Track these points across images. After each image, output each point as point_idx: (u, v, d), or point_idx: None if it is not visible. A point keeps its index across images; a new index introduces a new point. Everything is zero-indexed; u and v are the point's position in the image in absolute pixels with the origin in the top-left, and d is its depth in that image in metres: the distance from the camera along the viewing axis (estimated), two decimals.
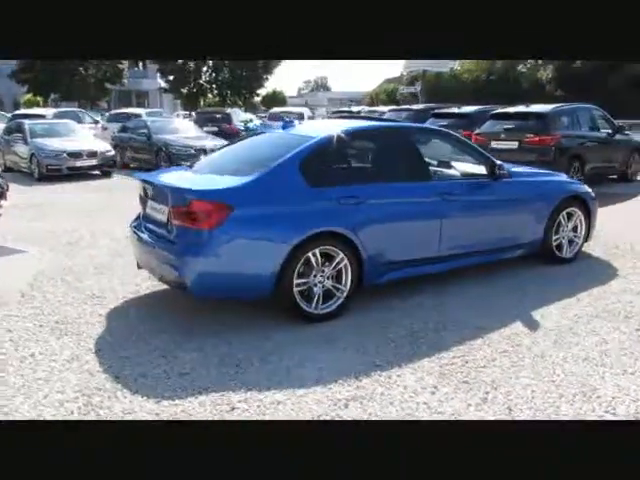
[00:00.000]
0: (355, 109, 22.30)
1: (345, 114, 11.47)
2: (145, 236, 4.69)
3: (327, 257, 4.41)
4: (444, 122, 12.14)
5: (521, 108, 11.41)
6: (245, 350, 3.98)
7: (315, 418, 2.99)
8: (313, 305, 4.39)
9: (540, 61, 41.98)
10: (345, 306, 4.53)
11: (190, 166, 5.28)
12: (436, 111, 13.64)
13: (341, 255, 4.42)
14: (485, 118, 11.56)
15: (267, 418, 3.02)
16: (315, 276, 4.37)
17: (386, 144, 4.99)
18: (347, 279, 4.49)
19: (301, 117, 20.40)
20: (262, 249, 4.21)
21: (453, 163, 5.41)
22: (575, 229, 5.95)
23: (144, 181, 4.90)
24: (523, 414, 3.01)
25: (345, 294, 4.49)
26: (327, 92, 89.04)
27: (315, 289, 4.38)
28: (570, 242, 5.95)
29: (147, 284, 5.36)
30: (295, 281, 4.26)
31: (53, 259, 6.33)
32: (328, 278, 4.43)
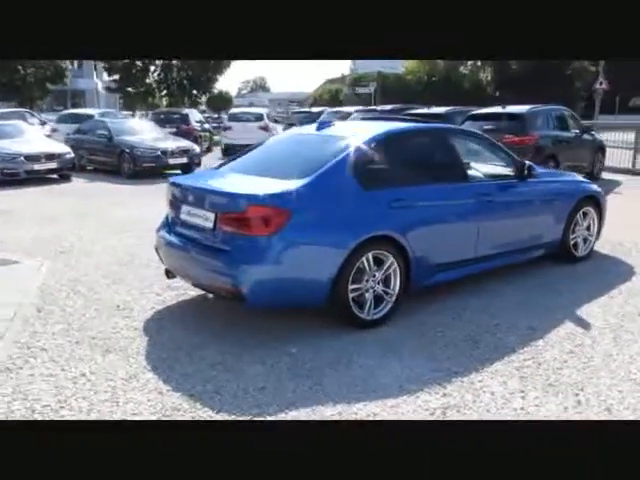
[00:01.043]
0: (315, 110, 22.17)
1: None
2: (180, 242, 4.45)
3: (377, 261, 4.31)
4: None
5: (498, 109, 11.65)
6: (310, 360, 3.82)
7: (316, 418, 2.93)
8: (365, 311, 4.28)
9: (479, 63, 43.38)
10: (395, 311, 4.44)
11: (218, 168, 5.06)
12: (411, 112, 13.75)
13: (391, 259, 4.33)
14: (456, 119, 11.66)
15: (267, 418, 2.93)
16: (367, 281, 4.25)
17: (427, 146, 4.95)
18: (396, 283, 4.40)
19: (260, 118, 20.17)
20: (320, 255, 4.07)
21: (484, 164, 5.42)
22: (589, 228, 6.10)
23: (177, 185, 4.65)
24: (623, 414, 3.04)
25: (394, 298, 4.41)
26: (267, 93, 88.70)
27: (367, 294, 4.27)
28: (584, 240, 6.09)
29: (169, 294, 5.11)
30: (350, 287, 4.14)
31: (53, 269, 5.93)
32: (378, 283, 4.33)
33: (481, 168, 5.29)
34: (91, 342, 4.11)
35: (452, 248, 4.82)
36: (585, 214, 6.01)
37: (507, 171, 5.37)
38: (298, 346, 4.02)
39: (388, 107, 16.50)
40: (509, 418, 2.80)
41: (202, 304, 4.92)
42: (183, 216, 4.51)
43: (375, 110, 16.12)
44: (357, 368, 3.72)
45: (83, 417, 3.02)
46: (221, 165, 5.16)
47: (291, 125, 19.82)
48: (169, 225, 4.74)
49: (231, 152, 19.31)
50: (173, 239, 4.56)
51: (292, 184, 4.08)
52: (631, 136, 14.10)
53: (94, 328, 4.36)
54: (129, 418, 2.96)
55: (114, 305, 4.87)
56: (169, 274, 4.83)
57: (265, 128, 19.67)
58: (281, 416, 3.08)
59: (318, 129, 4.96)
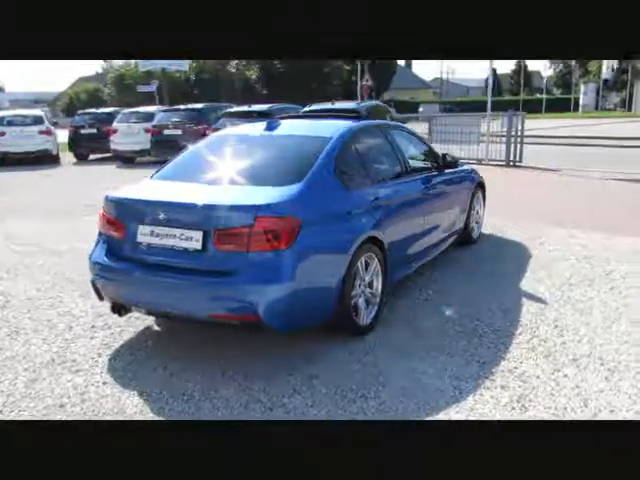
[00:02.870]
0: (108, 110, 20.31)
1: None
2: (142, 270, 3.73)
3: (366, 264, 4.14)
4: (238, 121, 12.32)
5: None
6: (340, 378, 3.52)
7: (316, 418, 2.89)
8: (361, 317, 4.09)
9: (245, 62, 44.18)
10: (380, 313, 4.32)
11: (158, 177, 4.34)
12: (231, 110, 13.55)
13: (375, 260, 4.21)
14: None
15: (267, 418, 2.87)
16: (360, 285, 4.07)
17: (381, 142, 4.86)
18: (379, 284, 4.28)
19: (40, 121, 17.82)
20: (328, 263, 3.75)
21: (414, 157, 5.52)
22: (478, 212, 6.65)
23: (123, 202, 3.89)
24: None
25: (378, 300, 4.28)
26: (3, 93, 79.05)
27: (360, 299, 4.08)
28: (477, 224, 6.63)
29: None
30: (352, 293, 3.92)
31: None
32: (366, 286, 4.17)
33: (414, 161, 5.39)
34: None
35: (411, 242, 4.86)
36: (477, 199, 6.54)
37: (431, 162, 5.57)
38: (316, 362, 3.70)
39: (199, 106, 15.99)
40: (509, 418, 2.85)
41: (165, 327, 4.21)
42: (142, 238, 3.77)
43: (182, 109, 15.64)
44: (400, 376, 3.52)
45: (82, 417, 2.92)
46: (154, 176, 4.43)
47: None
48: (110, 250, 3.94)
49: (8, 162, 16.88)
50: (127, 267, 3.80)
51: (286, 190, 3.68)
52: (423, 126, 15.68)
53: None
54: (127, 418, 2.88)
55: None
56: (122, 309, 4.03)
57: (48, 132, 17.51)
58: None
59: (269, 129, 4.55)
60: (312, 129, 4.65)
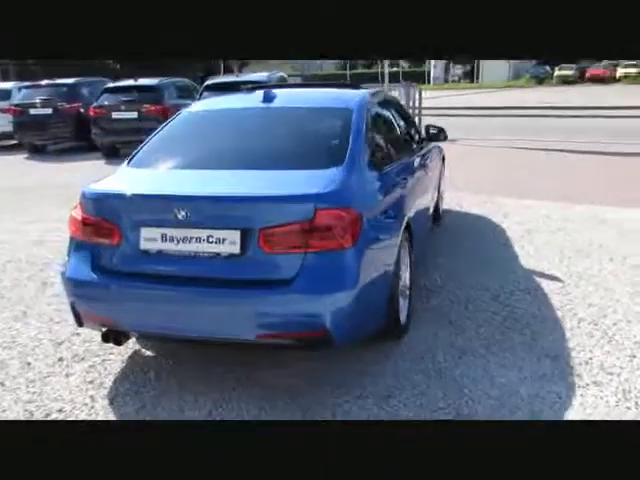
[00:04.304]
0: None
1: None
2: (149, 286, 2.89)
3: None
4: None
5: (131, 82, 12.86)
6: (416, 396, 2.99)
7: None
8: (402, 315, 3.54)
9: None
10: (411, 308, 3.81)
11: (134, 166, 3.41)
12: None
13: (407, 247, 3.68)
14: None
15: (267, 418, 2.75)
16: (400, 279, 3.51)
17: (386, 115, 4.25)
18: (407, 274, 3.75)
19: None
20: (382, 258, 3.14)
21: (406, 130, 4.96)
22: (441, 186, 6.31)
23: (115, 197, 2.99)
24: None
25: (409, 292, 3.76)
26: None
27: (400, 295, 3.52)
28: (441, 199, 6.31)
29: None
30: (397, 289, 3.36)
31: None
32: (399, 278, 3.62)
33: (408, 135, 4.86)
34: None
35: (422, 223, 4.41)
36: (442, 174, 6.22)
37: (418, 136, 5.09)
38: (386, 390, 3.11)
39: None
40: (507, 418, 2.73)
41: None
42: (149, 245, 2.91)
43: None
44: (477, 388, 3.06)
45: (82, 417, 2.82)
46: (131, 163, 3.47)
47: None
48: (98, 263, 3.02)
49: None
50: (128, 283, 2.93)
51: (333, 175, 2.99)
52: None
53: None
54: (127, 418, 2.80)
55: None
56: (120, 337, 3.15)
57: None
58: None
59: (268, 100, 3.76)
60: (321, 100, 3.93)
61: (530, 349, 3.40)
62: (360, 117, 3.52)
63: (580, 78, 44.79)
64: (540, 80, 46.08)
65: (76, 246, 3.11)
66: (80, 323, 3.16)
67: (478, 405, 2.88)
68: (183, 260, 2.87)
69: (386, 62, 15.96)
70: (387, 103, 4.44)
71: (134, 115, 12.02)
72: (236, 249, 2.79)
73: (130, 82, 12.95)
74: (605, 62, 44.18)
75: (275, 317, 2.78)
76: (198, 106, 4.05)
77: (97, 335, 3.67)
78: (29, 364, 3.46)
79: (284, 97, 3.90)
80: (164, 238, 2.88)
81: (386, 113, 4.25)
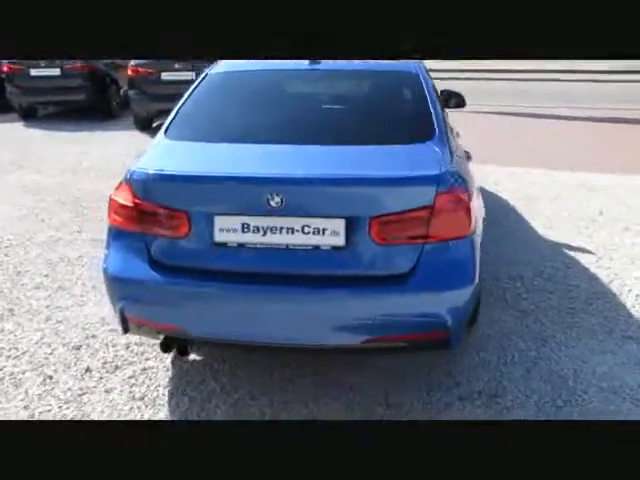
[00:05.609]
0: None
1: None
2: (228, 284, 2.40)
3: None
4: None
5: None
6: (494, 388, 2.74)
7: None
8: None
9: None
10: None
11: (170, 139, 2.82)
12: None
13: None
14: None
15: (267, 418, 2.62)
16: None
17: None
18: None
19: None
20: (478, 244, 2.80)
21: None
22: None
23: (177, 179, 2.44)
24: None
25: None
26: None
27: None
28: None
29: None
30: None
31: None
32: None
33: None
34: None
35: None
36: None
37: None
38: (498, 398, 2.82)
39: None
40: (507, 419, 2.66)
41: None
42: (225, 237, 2.40)
43: None
44: (544, 363, 2.86)
45: (82, 417, 2.65)
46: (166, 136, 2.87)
47: None
48: (158, 259, 2.48)
49: None
50: (201, 282, 2.42)
51: (434, 151, 2.60)
52: None
53: None
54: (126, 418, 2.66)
55: None
56: (185, 347, 2.64)
57: None
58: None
59: (312, 64, 3.22)
60: (371, 63, 3.44)
61: (610, 332, 3.23)
62: (427, 81, 3.13)
63: None
64: None
65: (123, 237, 2.53)
66: (126, 329, 2.62)
67: (594, 398, 2.67)
68: (270, 254, 2.39)
69: None
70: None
71: (56, 72, 10.52)
72: (340, 241, 2.35)
73: None
74: None
75: (389, 318, 2.38)
76: (229, 66, 3.43)
77: (118, 336, 3.13)
78: (51, 378, 2.87)
79: (329, 60, 3.38)
80: (246, 228, 2.38)
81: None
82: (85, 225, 5.09)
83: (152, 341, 3.08)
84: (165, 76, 9.30)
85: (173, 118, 2.98)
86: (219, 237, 2.40)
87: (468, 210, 2.43)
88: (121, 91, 11.14)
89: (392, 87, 3.15)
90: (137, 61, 9.40)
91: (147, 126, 9.83)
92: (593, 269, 4.03)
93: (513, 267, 4.07)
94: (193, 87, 3.20)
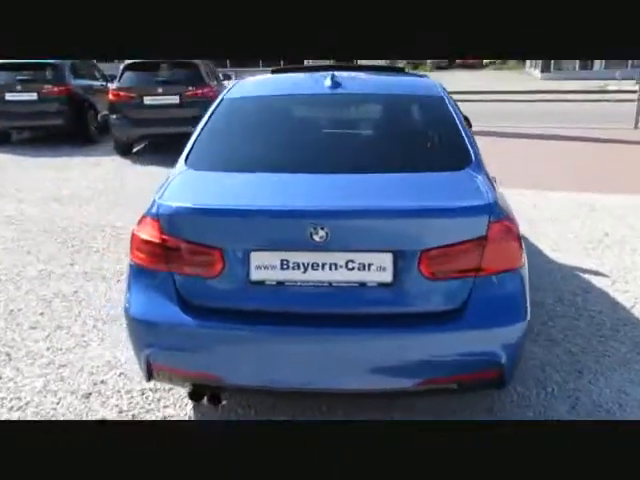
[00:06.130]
0: None
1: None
2: (271, 329, 2.23)
3: None
4: None
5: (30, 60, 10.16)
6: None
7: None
8: None
9: None
10: None
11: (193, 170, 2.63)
12: None
13: None
14: None
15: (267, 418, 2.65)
16: None
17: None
18: None
19: None
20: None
21: None
22: None
23: (227, 212, 2.24)
24: None
25: None
26: None
27: None
28: None
29: None
30: None
31: None
32: None
33: None
34: None
35: None
36: None
37: None
38: None
39: None
40: (508, 419, 2.67)
41: None
42: (262, 275, 2.22)
43: None
44: (586, 396, 2.74)
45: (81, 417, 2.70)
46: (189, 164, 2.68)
47: None
48: (187, 300, 2.28)
49: None
50: (235, 325, 2.23)
51: (476, 179, 2.48)
52: None
53: None
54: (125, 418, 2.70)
55: None
56: (217, 395, 2.44)
57: None
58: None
59: (334, 86, 3.09)
60: (396, 86, 3.30)
61: None
62: (454, 106, 3.02)
63: (451, 63, 48.48)
64: (415, 65, 47.85)
65: (148, 276, 2.33)
66: (150, 377, 2.41)
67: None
68: (312, 293, 2.22)
69: None
70: None
71: (33, 96, 10.16)
72: (387, 277, 2.19)
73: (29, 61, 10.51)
74: None
75: (440, 358, 2.23)
76: (245, 91, 3.27)
77: (131, 381, 2.92)
78: None
79: (350, 82, 3.23)
80: (285, 265, 2.21)
81: None
82: (76, 257, 4.83)
83: (168, 386, 2.87)
84: (148, 100, 9.07)
85: (192, 146, 2.79)
86: (256, 275, 2.22)
87: (519, 240, 2.31)
88: (99, 116, 10.89)
89: (419, 111, 3.03)
90: (119, 84, 9.17)
91: (127, 151, 9.59)
92: (611, 293, 3.95)
93: (532, 293, 3.95)
94: (210, 113, 3.02)
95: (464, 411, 2.73)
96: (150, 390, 2.91)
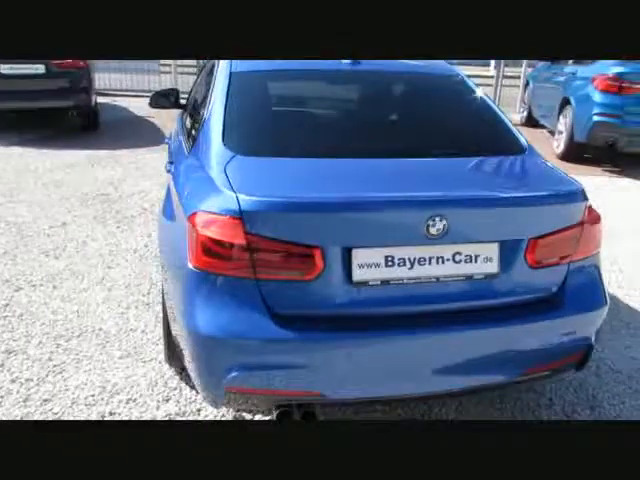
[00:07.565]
0: None
1: None
2: (375, 335, 2.02)
3: None
4: None
5: None
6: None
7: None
8: None
9: None
10: None
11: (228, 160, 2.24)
12: None
13: None
14: None
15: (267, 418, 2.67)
16: None
17: None
18: None
19: None
20: None
21: None
22: None
23: (330, 205, 1.96)
24: None
25: None
26: None
27: None
28: None
29: None
30: None
31: None
32: None
33: None
34: None
35: None
36: None
37: None
38: None
39: None
40: (508, 419, 2.74)
41: None
42: (365, 274, 1.99)
43: None
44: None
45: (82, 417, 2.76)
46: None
47: None
48: (279, 310, 1.98)
49: None
50: (337, 335, 1.99)
51: (541, 164, 2.48)
52: None
53: None
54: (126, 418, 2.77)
55: None
56: (310, 412, 2.16)
57: None
58: None
59: (354, 64, 2.84)
60: (412, 64, 3.13)
61: None
62: (475, 86, 2.97)
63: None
64: None
65: (226, 285, 1.96)
66: (222, 403, 2.08)
67: None
68: (418, 291, 2.05)
69: None
70: None
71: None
72: (493, 267, 2.09)
73: None
74: None
75: (545, 346, 2.19)
76: (250, 64, 2.86)
77: None
78: None
79: (368, 61, 3.02)
80: (390, 262, 2.00)
81: None
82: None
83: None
84: (5, 69, 7.47)
85: (224, 129, 2.39)
86: (359, 275, 1.98)
87: (600, 226, 2.33)
88: None
89: (450, 91, 2.92)
90: None
91: None
92: None
93: None
94: (225, 90, 2.62)
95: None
96: None
